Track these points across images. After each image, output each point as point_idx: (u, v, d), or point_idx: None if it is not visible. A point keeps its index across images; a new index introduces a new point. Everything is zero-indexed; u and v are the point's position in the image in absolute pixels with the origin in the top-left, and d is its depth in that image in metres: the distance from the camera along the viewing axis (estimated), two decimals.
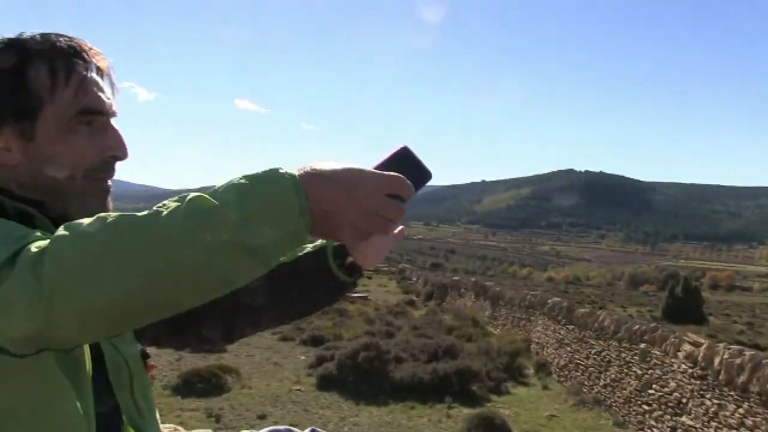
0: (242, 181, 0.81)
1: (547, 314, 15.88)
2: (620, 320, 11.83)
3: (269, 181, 0.81)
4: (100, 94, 1.08)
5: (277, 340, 16.98)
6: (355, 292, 33.21)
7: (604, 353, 11.90)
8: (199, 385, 11.01)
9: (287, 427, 2.02)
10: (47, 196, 1.06)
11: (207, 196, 0.80)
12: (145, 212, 0.80)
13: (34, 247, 0.80)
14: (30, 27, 1.08)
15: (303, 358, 14.53)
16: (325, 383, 12.14)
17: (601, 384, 11.80)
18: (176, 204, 0.80)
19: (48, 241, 0.80)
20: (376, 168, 0.91)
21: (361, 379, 12.16)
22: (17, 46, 1.04)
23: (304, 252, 1.37)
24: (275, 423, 9.37)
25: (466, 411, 10.95)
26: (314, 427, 1.91)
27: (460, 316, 22.96)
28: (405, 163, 0.93)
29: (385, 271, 65.39)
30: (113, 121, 1.11)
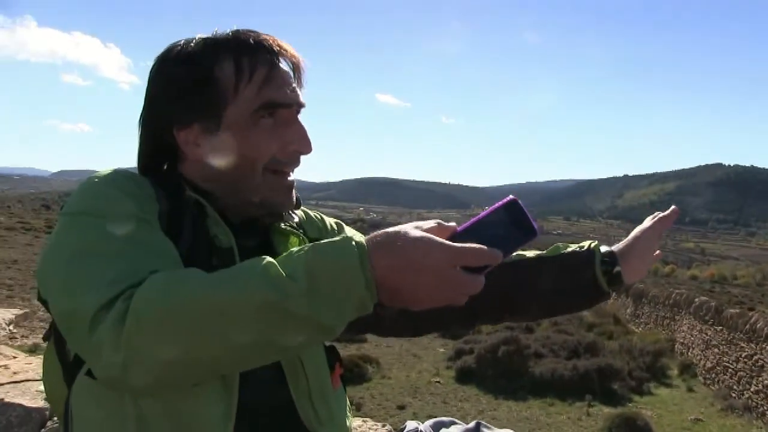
0: (311, 255, 0.83)
1: (694, 314, 15.26)
2: None
3: (337, 256, 0.82)
4: (285, 87, 1.09)
5: None
6: None
7: (756, 357, 11.30)
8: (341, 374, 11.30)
9: (451, 418, 2.12)
10: (229, 190, 1.11)
11: (279, 267, 0.82)
12: (224, 276, 0.85)
13: (125, 299, 0.85)
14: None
15: (442, 350, 14.69)
16: (464, 376, 12.26)
17: (752, 390, 11.22)
18: (250, 272, 0.83)
19: (138, 289, 0.85)
20: (480, 219, 0.88)
21: (500, 373, 12.20)
22: (206, 46, 1.09)
23: (572, 250, 1.40)
24: (414, 414, 9.70)
25: (607, 410, 10.78)
26: (479, 420, 2.00)
27: (600, 313, 22.37)
28: (510, 217, 0.88)
29: None
30: (299, 116, 1.13)
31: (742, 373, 11.80)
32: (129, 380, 0.85)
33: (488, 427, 2.18)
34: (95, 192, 1.01)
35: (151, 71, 1.13)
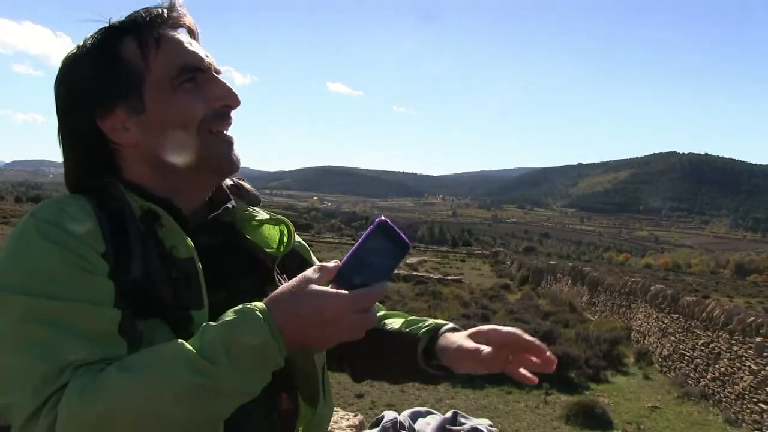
0: (226, 334, 0.90)
1: (650, 302, 15.35)
2: (732, 311, 11.23)
3: (251, 333, 0.90)
4: (195, 50, 1.11)
5: None
6: (450, 275, 33.20)
7: (712, 345, 11.36)
8: None
9: (428, 409, 2.03)
10: (175, 172, 1.11)
11: (197, 352, 0.89)
12: (147, 372, 0.88)
13: (50, 408, 0.86)
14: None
15: None
16: None
17: (708, 377, 11.29)
18: (173, 362, 0.88)
19: (62, 398, 0.86)
20: (359, 247, 0.96)
21: None
22: (104, 32, 1.09)
23: (405, 330, 1.40)
24: (373, 402, 9.55)
25: (565, 398, 10.78)
26: (456, 410, 1.89)
27: (556, 302, 22.58)
28: (385, 235, 0.97)
29: (478, 254, 65.19)
30: (218, 76, 1.14)
31: (698, 360, 11.87)
32: None
33: (465, 416, 2.12)
34: (26, 259, 0.96)
35: (56, 79, 1.11)
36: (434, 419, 2.00)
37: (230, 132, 1.16)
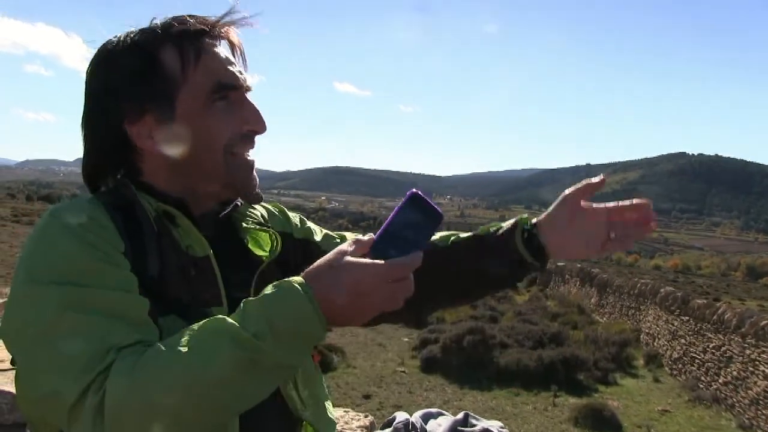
0: (269, 309, 0.90)
1: (659, 304, 15.25)
2: (744, 314, 11.11)
3: (292, 307, 0.90)
4: (232, 69, 1.11)
5: None
6: None
7: (724, 348, 11.24)
8: None
9: (438, 410, 1.98)
10: (193, 183, 1.12)
11: (242, 329, 0.89)
12: (192, 349, 0.89)
13: (96, 390, 0.88)
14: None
15: (406, 340, 14.59)
16: (430, 366, 12.14)
17: (720, 381, 11.17)
18: (218, 340, 0.89)
19: (108, 380, 0.88)
20: (392, 221, 0.96)
21: (466, 363, 12.11)
22: (147, 34, 1.08)
23: (497, 228, 1.37)
24: (380, 403, 9.50)
25: (573, 400, 10.73)
26: (468, 412, 1.85)
27: (564, 303, 22.49)
28: (417, 208, 0.97)
29: None
30: (249, 96, 1.14)
31: (710, 364, 11.75)
32: None
33: (476, 418, 2.08)
34: (54, 253, 0.97)
35: (90, 67, 1.11)
36: (445, 420, 1.96)
37: (251, 155, 1.15)
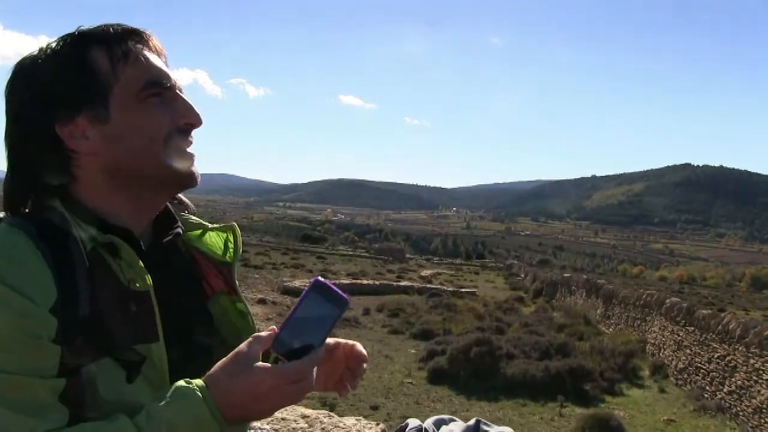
0: (169, 414, 0.92)
1: (665, 315, 15.31)
2: (748, 324, 11.19)
3: (193, 413, 0.93)
4: (163, 68, 1.13)
5: (387, 333, 17.17)
6: (464, 288, 33.17)
7: (728, 358, 11.32)
8: None
9: (450, 416, 2.07)
10: (137, 179, 1.10)
11: None
12: None
13: None
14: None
15: (413, 351, 14.62)
16: (437, 377, 12.18)
17: (725, 391, 11.24)
18: None
19: None
20: (295, 309, 0.99)
21: (473, 374, 12.15)
22: (75, 37, 1.09)
23: None
24: (388, 414, 9.58)
25: (580, 411, 10.75)
26: (479, 418, 1.93)
27: (570, 314, 22.50)
28: (321, 295, 0.99)
29: (492, 266, 64.97)
30: (181, 94, 1.15)
31: (714, 373, 11.82)
32: None
33: (487, 425, 2.15)
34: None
35: (10, 81, 1.09)
36: (457, 426, 2.02)
37: (192, 149, 1.16)
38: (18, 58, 1.11)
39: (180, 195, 1.29)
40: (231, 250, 1.30)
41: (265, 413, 0.99)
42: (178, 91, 1.14)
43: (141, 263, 1.07)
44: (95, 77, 1.07)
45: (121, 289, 1.04)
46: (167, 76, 1.13)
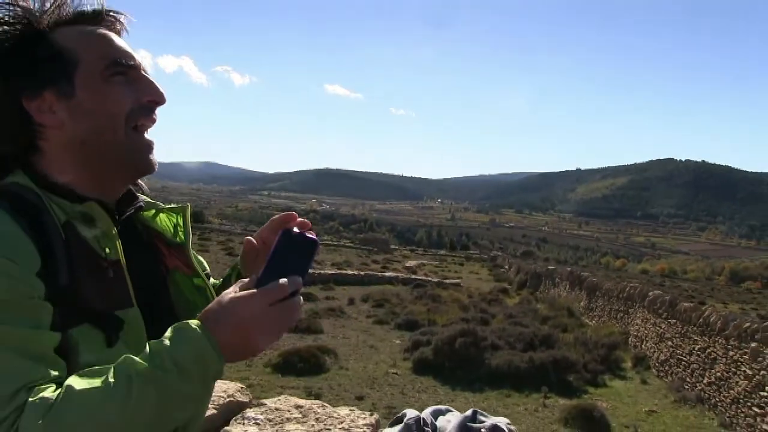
0: (173, 349, 0.95)
1: (648, 307, 15.48)
2: (728, 317, 11.36)
3: (194, 348, 0.95)
4: (126, 48, 1.17)
5: (372, 323, 17.20)
6: (448, 279, 33.26)
7: (709, 350, 11.49)
8: (299, 365, 11.31)
9: (447, 407, 2.11)
10: (95, 164, 1.14)
11: (153, 369, 0.93)
12: (108, 390, 0.91)
13: (8, 428, 0.89)
14: None
15: (398, 342, 14.69)
16: (422, 367, 12.25)
17: (705, 382, 11.41)
18: (130, 380, 0.92)
19: (21, 418, 0.89)
20: (271, 255, 1.04)
21: (457, 364, 12.25)
22: (41, 16, 1.13)
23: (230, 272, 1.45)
24: (373, 404, 9.62)
25: (563, 401, 10.87)
26: (476, 409, 1.97)
27: (554, 306, 22.65)
28: (291, 244, 1.05)
29: (476, 258, 65.14)
30: (146, 74, 1.19)
31: (695, 365, 11.98)
32: None
33: (484, 415, 2.18)
34: None
35: None
36: (455, 417, 2.04)
37: (150, 135, 1.20)
38: None
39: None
40: (181, 232, 1.34)
41: (256, 341, 0.99)
42: (142, 72, 1.18)
43: (115, 232, 1.14)
44: (60, 56, 1.10)
45: (96, 258, 1.08)
46: (131, 56, 1.16)
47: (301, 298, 1.04)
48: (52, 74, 1.10)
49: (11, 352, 0.93)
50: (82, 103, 1.10)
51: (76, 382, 0.91)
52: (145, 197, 1.32)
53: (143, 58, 1.22)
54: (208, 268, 1.41)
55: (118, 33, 1.19)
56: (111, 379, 0.91)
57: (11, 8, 1.12)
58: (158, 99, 1.19)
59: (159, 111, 1.21)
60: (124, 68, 1.14)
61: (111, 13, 1.19)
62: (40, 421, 0.87)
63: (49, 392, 0.90)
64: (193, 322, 0.98)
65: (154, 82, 1.18)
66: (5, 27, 1.10)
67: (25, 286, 0.96)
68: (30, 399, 0.89)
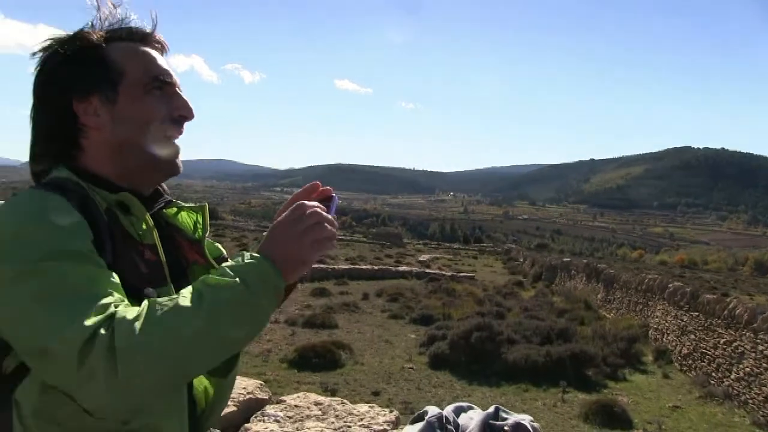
0: (244, 271, 1.10)
1: (668, 299, 15.17)
2: (755, 309, 11.00)
3: (262, 271, 1.11)
4: (166, 67, 1.35)
5: (387, 318, 17.06)
6: (462, 272, 33.06)
7: (735, 344, 11.15)
8: (315, 360, 11.20)
9: (469, 404, 1.93)
10: (132, 157, 1.29)
11: (236, 284, 1.07)
12: (190, 305, 1.04)
13: (106, 328, 0.99)
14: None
15: (413, 336, 14.54)
16: (438, 362, 12.09)
17: (732, 377, 11.07)
18: (216, 293, 1.06)
19: (115, 322, 1.00)
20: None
21: (474, 359, 12.08)
22: (99, 33, 1.31)
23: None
24: (389, 399, 9.44)
25: (582, 396, 10.66)
26: (498, 405, 1.80)
27: (571, 299, 22.42)
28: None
29: (490, 251, 64.95)
30: (180, 91, 1.37)
31: (720, 360, 11.65)
32: (119, 405, 1.00)
33: (506, 412, 2.04)
34: (32, 238, 1.07)
35: (41, 61, 1.29)
36: (477, 414, 1.94)
37: (178, 141, 1.37)
38: (18, 48, 1.26)
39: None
40: (200, 229, 1.49)
41: (306, 249, 1.16)
42: (177, 89, 1.36)
43: (149, 219, 1.31)
44: (108, 68, 1.28)
45: (134, 241, 1.25)
46: (169, 74, 1.34)
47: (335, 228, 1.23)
48: (100, 82, 1.27)
49: (101, 273, 1.08)
50: (123, 110, 1.28)
51: (162, 299, 1.06)
52: (166, 197, 1.47)
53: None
54: (224, 252, 1.58)
55: (161, 53, 1.37)
56: (184, 297, 1.05)
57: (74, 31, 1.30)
58: (188, 114, 1.36)
59: None
60: (163, 84, 1.32)
61: (157, 36, 1.37)
62: (134, 327, 0.99)
63: (137, 307, 1.04)
64: (250, 251, 1.15)
65: (186, 99, 1.36)
66: (70, 38, 1.29)
67: (91, 245, 1.12)
68: (121, 309, 1.03)
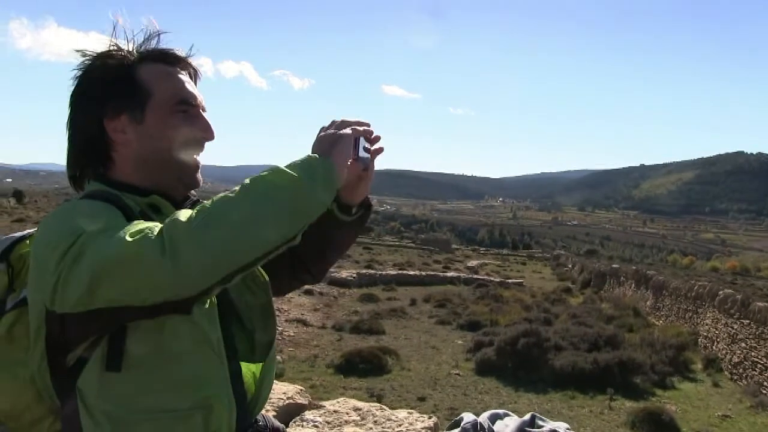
0: (304, 166, 1.21)
1: (718, 307, 14.95)
2: None
3: (320, 163, 1.23)
4: (192, 90, 1.43)
5: (434, 323, 17.14)
6: (510, 278, 32.88)
7: None
8: (361, 366, 11.31)
9: (505, 411, 2.05)
10: (156, 171, 1.39)
11: (271, 174, 1.18)
12: (239, 191, 1.16)
13: (164, 224, 1.13)
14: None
15: (460, 342, 14.57)
16: (484, 368, 12.11)
17: None
18: (282, 182, 1.17)
19: (172, 217, 1.14)
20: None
21: (520, 365, 12.07)
22: (132, 54, 1.41)
23: None
24: (435, 406, 9.55)
25: (629, 404, 10.58)
26: (534, 413, 1.91)
27: (619, 306, 22.17)
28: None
29: (539, 257, 64.34)
30: (203, 113, 1.45)
31: None
32: (199, 277, 1.11)
33: (542, 419, 2.13)
34: (92, 216, 1.21)
35: (79, 76, 1.40)
36: (512, 421, 2.01)
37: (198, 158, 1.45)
38: (71, 55, 1.39)
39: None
40: None
41: (335, 148, 1.29)
42: (201, 111, 1.44)
43: None
44: (138, 89, 1.37)
45: None
46: (195, 98, 1.43)
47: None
48: (130, 102, 1.36)
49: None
50: (149, 129, 1.37)
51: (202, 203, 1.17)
52: (194, 196, 1.56)
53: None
54: None
55: (191, 77, 1.46)
56: (232, 191, 1.17)
57: (111, 46, 1.40)
58: (208, 136, 1.45)
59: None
60: (188, 107, 1.41)
61: (188, 61, 1.47)
62: (190, 214, 1.13)
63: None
64: (309, 154, 1.28)
65: (208, 122, 1.45)
66: (106, 56, 1.39)
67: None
68: (169, 218, 1.14)
